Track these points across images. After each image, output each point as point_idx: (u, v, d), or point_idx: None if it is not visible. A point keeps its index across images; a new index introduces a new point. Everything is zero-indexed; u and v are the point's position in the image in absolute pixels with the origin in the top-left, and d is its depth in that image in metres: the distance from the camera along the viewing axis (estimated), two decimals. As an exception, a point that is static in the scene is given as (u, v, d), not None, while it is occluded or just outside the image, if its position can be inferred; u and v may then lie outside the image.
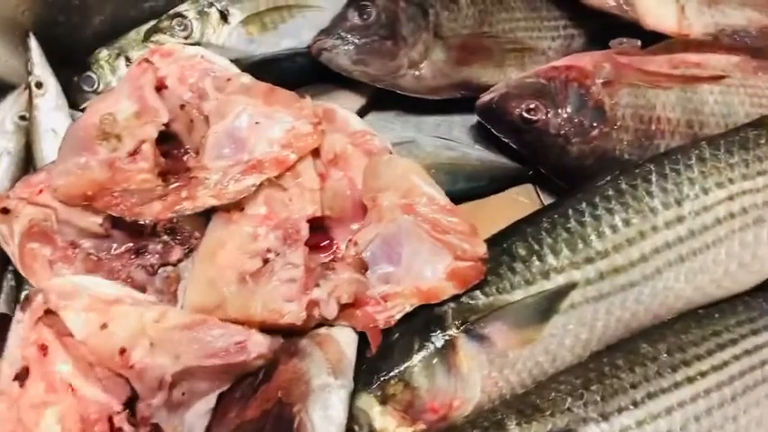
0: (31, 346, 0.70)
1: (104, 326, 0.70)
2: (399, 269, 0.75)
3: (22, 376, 0.69)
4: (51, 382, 0.70)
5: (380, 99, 0.96)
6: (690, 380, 0.73)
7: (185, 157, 0.81)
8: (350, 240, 0.76)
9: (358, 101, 0.95)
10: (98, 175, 0.74)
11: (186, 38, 0.88)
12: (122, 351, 0.70)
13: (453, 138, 0.95)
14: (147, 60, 0.83)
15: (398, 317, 0.74)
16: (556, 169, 0.90)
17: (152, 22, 0.91)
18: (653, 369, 0.73)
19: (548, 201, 0.94)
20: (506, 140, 0.91)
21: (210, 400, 0.73)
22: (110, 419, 0.69)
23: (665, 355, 0.74)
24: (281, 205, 0.77)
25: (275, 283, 0.73)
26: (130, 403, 0.71)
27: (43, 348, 0.70)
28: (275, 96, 0.80)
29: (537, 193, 0.95)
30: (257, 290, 0.73)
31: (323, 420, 0.66)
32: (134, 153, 0.75)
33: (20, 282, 0.86)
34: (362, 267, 0.75)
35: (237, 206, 0.77)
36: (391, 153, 0.79)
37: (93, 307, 0.70)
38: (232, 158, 0.78)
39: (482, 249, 0.72)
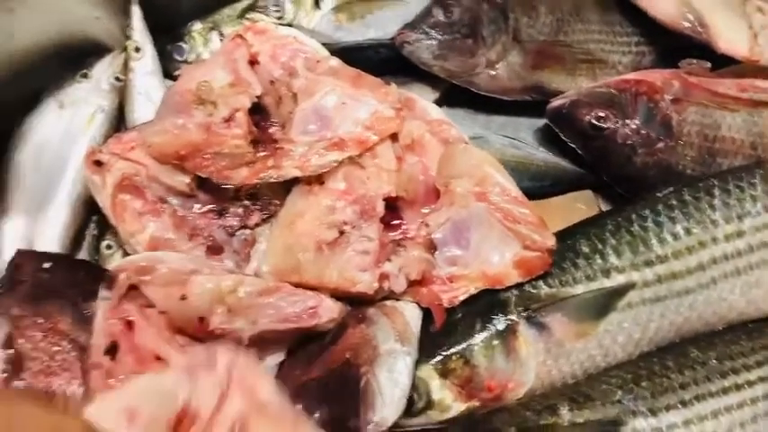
0: (117, 322, 0.74)
1: (184, 297, 0.74)
2: (467, 253, 0.78)
3: (111, 350, 0.73)
4: (139, 355, 0.74)
5: (452, 96, 1.00)
6: (737, 387, 0.76)
7: (271, 130, 0.85)
8: (421, 221, 0.80)
9: (431, 95, 0.98)
10: (194, 137, 0.78)
11: (279, 18, 0.93)
12: (201, 319, 0.74)
13: (519, 138, 0.99)
14: (240, 36, 0.87)
15: (462, 298, 0.77)
16: (619, 177, 0.93)
17: (247, 1, 0.95)
18: (702, 373, 0.76)
19: (605, 207, 0.97)
20: (572, 145, 0.94)
21: (278, 356, 0.77)
22: None
23: (714, 362, 0.77)
24: (360, 182, 0.81)
25: (350, 254, 0.77)
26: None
27: (129, 323, 0.74)
28: (362, 81, 0.84)
29: (596, 199, 0.98)
30: (333, 258, 0.77)
31: (388, 382, 0.70)
32: (228, 119, 0.80)
33: (102, 232, 0.91)
34: (432, 248, 0.79)
35: (318, 179, 0.81)
36: (467, 143, 0.83)
37: (172, 280, 0.74)
38: (317, 134, 0.82)
39: (551, 241, 0.76)
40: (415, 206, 0.83)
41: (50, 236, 0.85)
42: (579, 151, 0.94)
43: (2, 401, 0.68)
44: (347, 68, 0.85)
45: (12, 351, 0.74)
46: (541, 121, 1.00)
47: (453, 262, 0.78)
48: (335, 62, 0.86)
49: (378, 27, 0.96)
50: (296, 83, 0.85)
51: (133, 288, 0.74)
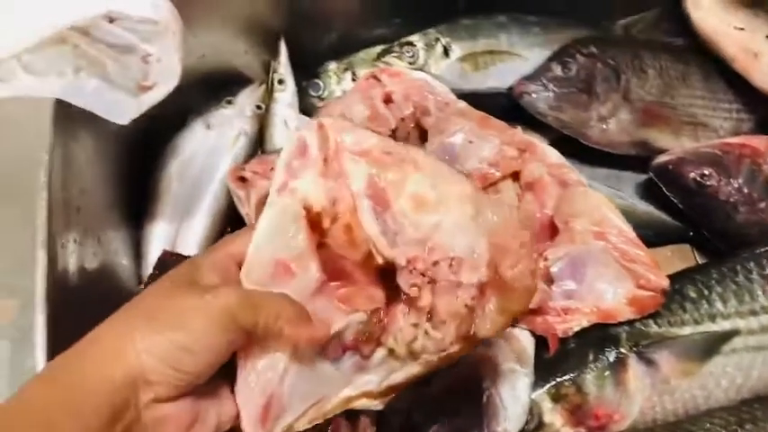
0: None
1: None
2: (582, 288, 0.83)
3: None
4: None
5: (558, 148, 1.07)
6: (840, 439, 0.78)
7: (401, 163, 0.93)
8: (540, 254, 0.86)
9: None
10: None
11: (411, 64, 1.02)
12: None
13: (620, 190, 1.05)
14: (375, 77, 0.96)
15: (576, 329, 0.82)
16: (719, 233, 0.97)
17: (379, 47, 1.04)
18: (805, 424, 0.79)
19: (702, 261, 1.02)
20: (674, 200, 0.99)
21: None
22: None
23: (816, 414, 0.80)
24: (483, 215, 0.87)
25: (474, 279, 0.83)
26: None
27: None
28: (489, 122, 0.91)
29: (693, 253, 1.03)
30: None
31: (511, 398, 0.74)
32: (369, 150, 0.87)
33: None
34: (549, 280, 0.84)
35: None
36: (585, 186, 0.89)
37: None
38: (445, 168, 0.89)
39: (665, 282, 0.81)
40: (530, 242, 0.89)
41: (191, 242, 0.93)
42: (680, 206, 0.99)
43: None
44: (474, 110, 0.93)
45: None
46: (642, 176, 1.06)
47: (569, 296, 0.83)
48: (463, 104, 0.94)
49: (497, 78, 1.04)
50: (427, 120, 0.92)
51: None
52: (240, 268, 0.58)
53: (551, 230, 0.88)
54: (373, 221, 0.59)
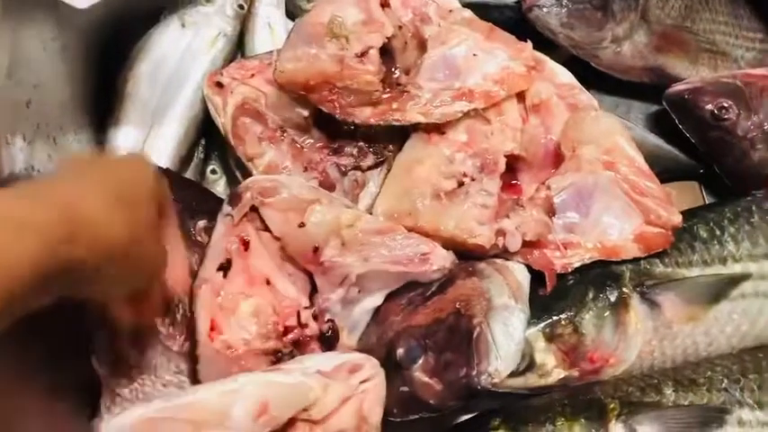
0: (235, 240, 0.73)
1: (302, 224, 0.72)
2: (586, 221, 0.77)
3: (225, 267, 0.73)
4: (251, 276, 0.73)
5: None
6: None
7: (396, 74, 0.84)
8: (542, 183, 0.79)
9: (547, 65, 0.97)
10: (327, 67, 0.77)
11: (411, -33, 0.91)
12: (316, 249, 0.73)
13: (629, 120, 0.97)
14: (371, -22, 0.86)
15: (576, 265, 0.76)
16: (733, 171, 0.91)
17: (379, -54, 0.94)
18: (811, 375, 0.75)
19: (710, 200, 0.95)
20: (687, 133, 0.92)
21: (378, 299, 0.76)
22: (297, 314, 0.73)
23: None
24: (482, 136, 0.80)
25: (469, 205, 0.76)
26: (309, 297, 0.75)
27: (245, 243, 0.74)
28: (496, 34, 0.83)
29: (701, 192, 0.96)
30: (451, 207, 0.76)
31: (503, 335, 0.69)
32: (361, 55, 0.79)
33: (207, 157, 0.90)
34: (550, 211, 0.77)
35: (438, 129, 0.80)
36: (596, 110, 0.81)
37: (293, 206, 0.73)
38: (444, 83, 0.81)
39: (677, 218, 0.74)
40: (532, 169, 0.82)
41: (163, 150, 0.84)
42: (694, 140, 0.92)
43: None
44: (480, 21, 0.84)
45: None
46: (653, 107, 0.99)
47: (571, 229, 0.77)
48: (468, 13, 0.85)
49: (505, -12, 0.94)
50: (428, 29, 0.84)
51: (252, 210, 0.73)
52: None
53: (557, 158, 0.81)
54: None
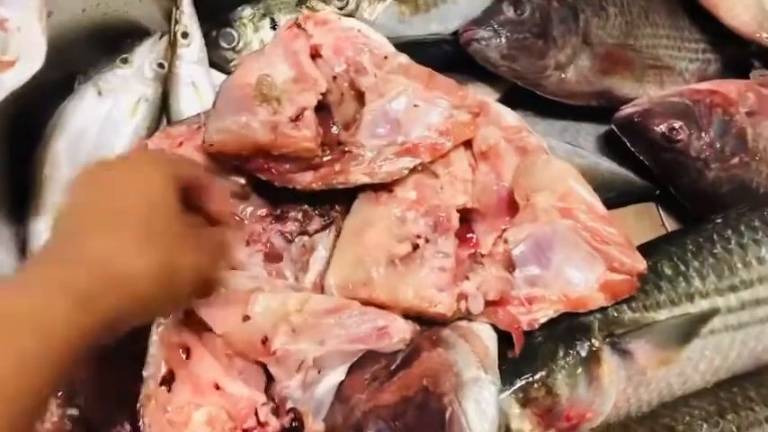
0: (174, 349, 0.69)
1: (246, 318, 0.68)
2: (548, 273, 0.73)
3: (167, 380, 0.68)
4: (197, 384, 0.68)
5: (510, 98, 0.95)
6: (823, 420, 0.73)
7: (333, 130, 0.79)
8: (499, 236, 0.75)
9: (491, 96, 0.93)
10: (260, 137, 0.72)
11: (341, 9, 0.86)
12: (264, 340, 0.68)
13: (579, 145, 0.94)
14: (298, 25, 0.81)
15: (543, 321, 0.73)
16: (688, 191, 0.88)
17: (305, -13, 0.89)
18: (787, 405, 0.73)
19: (668, 222, 0.93)
20: (640, 156, 0.89)
21: (340, 374, 0.71)
22: (255, 413, 0.68)
23: (798, 394, 0.74)
24: (432, 191, 0.76)
25: (426, 270, 0.72)
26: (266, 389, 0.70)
27: (186, 350, 0.69)
28: (436, 81, 0.78)
29: (659, 213, 0.94)
30: (407, 275, 0.72)
31: (477, 414, 0.65)
32: (296, 119, 0.73)
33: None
34: (510, 266, 0.74)
35: (385, 188, 0.76)
36: (547, 153, 0.78)
37: (233, 300, 0.68)
38: (386, 138, 0.76)
39: (642, 265, 0.72)
40: (487, 218, 0.78)
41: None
42: (647, 162, 0.90)
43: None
44: (418, 67, 0.79)
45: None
46: (603, 128, 0.95)
47: (533, 282, 0.73)
48: (404, 59, 0.80)
49: (440, 21, 0.90)
50: (364, 81, 0.78)
51: (191, 312, 0.68)
52: None
53: (511, 205, 0.77)
54: None
